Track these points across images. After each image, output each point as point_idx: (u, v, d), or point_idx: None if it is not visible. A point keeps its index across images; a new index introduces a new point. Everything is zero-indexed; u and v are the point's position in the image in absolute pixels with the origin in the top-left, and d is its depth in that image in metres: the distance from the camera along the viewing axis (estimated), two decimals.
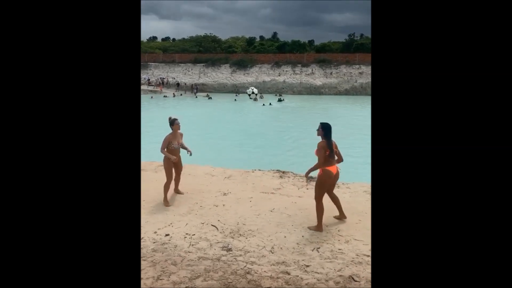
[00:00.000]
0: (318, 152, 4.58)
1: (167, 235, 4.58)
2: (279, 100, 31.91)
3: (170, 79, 43.51)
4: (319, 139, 4.69)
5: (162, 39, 69.18)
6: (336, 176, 4.77)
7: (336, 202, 4.95)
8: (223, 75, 43.56)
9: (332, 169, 4.64)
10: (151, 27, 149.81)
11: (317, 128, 4.70)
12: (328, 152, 4.55)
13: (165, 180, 5.69)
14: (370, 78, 38.34)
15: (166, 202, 5.60)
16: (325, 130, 4.62)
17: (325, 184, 4.66)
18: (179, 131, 5.80)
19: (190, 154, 5.84)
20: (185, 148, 5.87)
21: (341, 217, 4.97)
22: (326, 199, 4.78)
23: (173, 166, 5.74)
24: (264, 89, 40.41)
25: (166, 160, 5.64)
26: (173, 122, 5.73)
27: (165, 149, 5.65)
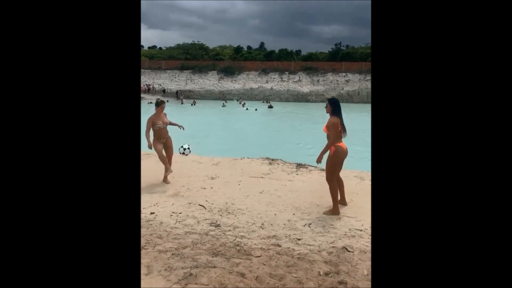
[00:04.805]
0: (329, 129, 4.33)
1: (152, 213, 4.38)
2: (270, 107, 31.90)
3: (156, 86, 43.09)
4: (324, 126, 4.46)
5: (149, 47, 68.76)
6: (346, 152, 4.47)
7: (341, 186, 4.65)
8: (210, 81, 43.38)
9: (342, 144, 4.39)
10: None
11: (325, 105, 4.50)
12: (340, 127, 4.35)
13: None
14: (356, 86, 38.82)
15: (169, 170, 5.57)
16: (333, 105, 4.40)
17: (339, 162, 4.39)
18: (163, 112, 5.66)
19: (183, 129, 5.85)
20: (174, 124, 5.74)
21: (342, 201, 4.66)
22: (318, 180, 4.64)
23: (162, 146, 5.56)
24: (252, 96, 40.38)
25: (155, 141, 5.52)
26: (160, 104, 5.59)
27: (150, 131, 5.45)
